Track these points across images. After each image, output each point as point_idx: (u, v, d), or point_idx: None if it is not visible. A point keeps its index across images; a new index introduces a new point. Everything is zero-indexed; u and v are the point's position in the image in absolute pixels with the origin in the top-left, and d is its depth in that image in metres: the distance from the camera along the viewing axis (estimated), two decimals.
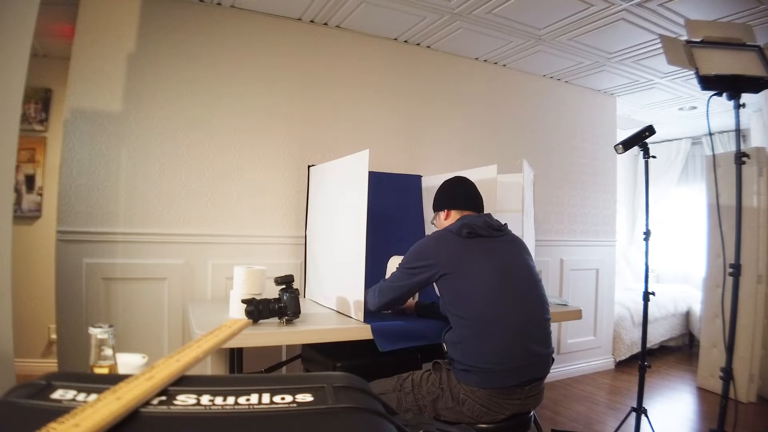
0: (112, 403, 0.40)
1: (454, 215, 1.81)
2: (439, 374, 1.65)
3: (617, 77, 3.59)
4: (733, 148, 2.10)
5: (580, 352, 3.79)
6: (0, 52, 1.66)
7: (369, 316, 1.88)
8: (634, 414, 2.34)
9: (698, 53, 2.00)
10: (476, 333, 1.56)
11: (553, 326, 2.32)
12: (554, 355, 1.70)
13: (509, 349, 1.54)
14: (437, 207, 1.88)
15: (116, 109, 2.32)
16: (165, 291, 2.38)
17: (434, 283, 1.69)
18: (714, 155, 2.79)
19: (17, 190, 3.11)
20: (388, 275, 2.29)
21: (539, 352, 1.59)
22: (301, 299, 1.84)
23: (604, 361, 3.95)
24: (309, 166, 2.62)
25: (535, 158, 3.39)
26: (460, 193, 1.85)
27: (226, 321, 0.69)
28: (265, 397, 0.45)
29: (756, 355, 3.10)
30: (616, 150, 2.40)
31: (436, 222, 1.91)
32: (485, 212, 1.84)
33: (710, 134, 2.54)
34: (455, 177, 1.93)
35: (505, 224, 1.77)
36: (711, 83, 1.98)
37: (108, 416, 0.39)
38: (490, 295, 1.58)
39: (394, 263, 2.29)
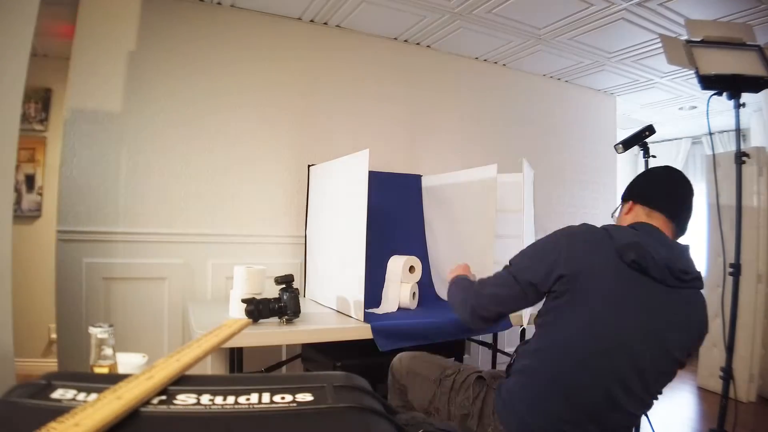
0: (112, 403, 0.40)
1: (640, 215, 1.29)
2: (477, 389, 1.33)
3: (617, 77, 3.59)
4: (733, 147, 2.10)
5: None
6: (0, 52, 1.66)
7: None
8: None
9: (698, 53, 2.00)
10: (556, 373, 1.16)
11: None
12: None
13: (571, 414, 1.14)
14: (625, 195, 1.38)
15: (116, 109, 2.32)
16: (165, 291, 2.38)
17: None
18: (714, 155, 2.78)
19: (17, 190, 3.11)
20: (388, 275, 2.30)
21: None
22: (301, 299, 1.84)
23: None
24: (309, 166, 2.62)
25: (535, 158, 3.38)
26: (662, 189, 1.30)
27: (226, 321, 0.69)
28: (265, 397, 0.45)
29: (756, 354, 3.10)
30: (616, 150, 2.40)
31: (616, 215, 1.43)
32: (678, 237, 1.27)
33: (710, 134, 2.53)
34: (670, 168, 1.35)
35: (697, 274, 1.19)
36: (711, 83, 1.98)
37: (108, 416, 0.39)
38: (598, 343, 1.13)
39: (394, 263, 2.29)
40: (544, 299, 1.23)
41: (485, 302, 1.31)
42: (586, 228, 1.22)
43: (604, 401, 1.13)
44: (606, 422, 1.14)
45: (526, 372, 1.21)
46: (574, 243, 1.18)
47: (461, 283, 1.47)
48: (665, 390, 1.22)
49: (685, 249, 1.21)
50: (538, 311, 1.25)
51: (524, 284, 1.22)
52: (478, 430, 1.28)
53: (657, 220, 1.25)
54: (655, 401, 1.20)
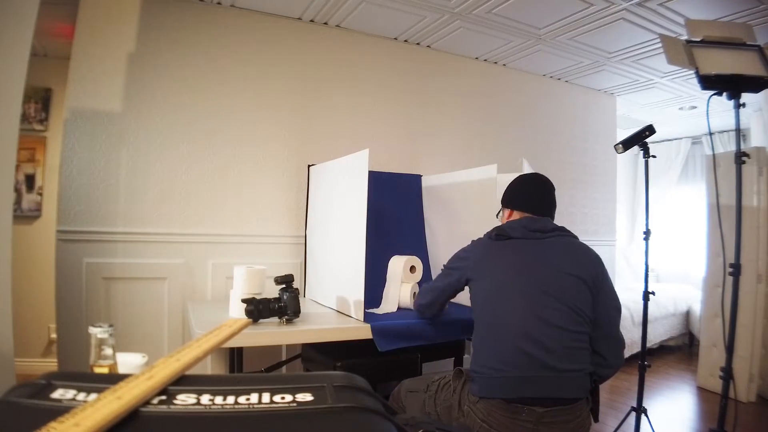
0: (112, 403, 0.40)
1: (515, 215, 1.69)
2: (457, 382, 1.53)
3: (617, 77, 3.59)
4: (733, 147, 2.10)
5: None
6: (0, 52, 1.66)
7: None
8: (634, 413, 2.34)
9: (698, 53, 2.00)
10: (480, 335, 1.49)
11: None
12: (592, 378, 1.46)
13: (509, 353, 1.39)
14: (503, 203, 1.76)
15: (116, 108, 2.32)
16: (165, 291, 2.38)
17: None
18: (714, 155, 2.79)
19: (17, 190, 3.11)
20: (389, 275, 2.30)
21: (553, 366, 1.36)
22: (301, 299, 1.84)
23: None
24: (309, 166, 2.62)
25: (535, 158, 3.38)
26: (520, 193, 1.71)
27: (226, 321, 0.69)
28: (265, 397, 0.45)
29: (756, 354, 3.10)
30: (616, 149, 2.40)
31: (499, 218, 1.81)
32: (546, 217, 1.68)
33: (710, 134, 2.53)
34: (526, 175, 1.81)
35: (562, 228, 1.61)
36: (711, 83, 1.98)
37: (108, 416, 0.39)
38: (496, 294, 1.49)
39: (394, 263, 2.29)
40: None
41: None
42: (473, 243, 1.69)
43: (532, 321, 1.40)
44: (547, 340, 1.38)
45: (475, 345, 1.51)
46: (474, 248, 1.66)
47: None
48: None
49: (539, 219, 1.62)
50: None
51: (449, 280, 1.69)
52: (458, 416, 1.47)
53: (526, 214, 1.65)
54: (583, 317, 1.44)
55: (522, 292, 1.45)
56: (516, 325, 1.41)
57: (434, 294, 1.77)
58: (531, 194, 1.70)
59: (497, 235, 1.58)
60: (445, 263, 1.75)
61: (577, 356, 1.41)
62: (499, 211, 1.80)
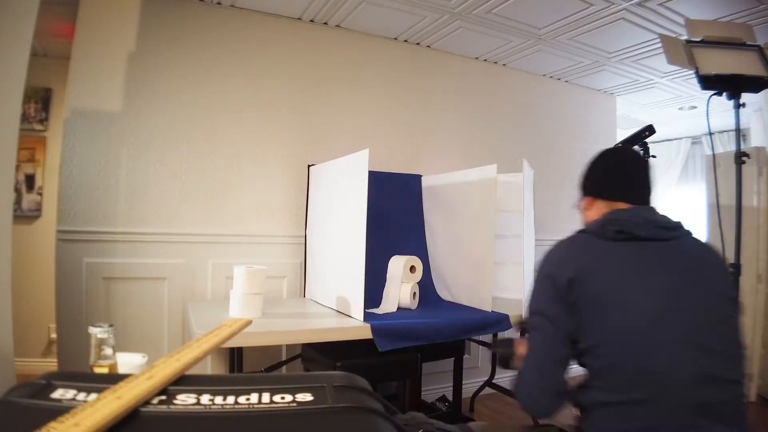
0: (112, 403, 0.40)
1: (600, 207, 1.21)
2: None
3: (617, 77, 3.59)
4: (733, 147, 2.10)
5: None
6: (0, 52, 1.66)
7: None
8: None
9: (698, 53, 2.00)
10: (617, 392, 0.98)
11: None
12: None
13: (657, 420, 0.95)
14: (583, 191, 1.29)
15: (116, 108, 2.32)
16: (165, 291, 2.38)
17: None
18: (714, 155, 2.78)
19: (17, 190, 3.11)
20: (389, 275, 2.30)
21: None
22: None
23: None
24: (309, 166, 2.62)
25: (535, 158, 3.38)
26: (617, 175, 1.22)
27: (226, 321, 0.69)
28: (265, 397, 0.45)
29: (756, 354, 3.10)
30: None
31: (580, 210, 1.35)
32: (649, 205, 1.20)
33: (710, 134, 2.53)
34: (611, 150, 1.32)
35: (679, 223, 1.14)
36: (711, 83, 1.98)
37: (108, 415, 0.39)
38: (639, 333, 0.99)
39: (394, 263, 2.29)
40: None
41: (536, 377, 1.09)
42: (559, 243, 1.16)
43: (686, 371, 0.96)
44: (706, 399, 0.96)
45: (603, 397, 1.00)
46: (561, 256, 1.12)
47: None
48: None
49: (653, 209, 1.17)
50: (575, 354, 1.08)
51: (554, 314, 1.07)
52: None
53: (621, 204, 1.18)
54: (741, 353, 1.04)
55: (681, 335, 0.98)
56: (680, 385, 0.95)
57: (536, 367, 1.09)
58: (633, 176, 1.21)
59: (617, 231, 1.07)
60: (525, 322, 1.18)
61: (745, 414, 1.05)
62: (578, 202, 1.33)
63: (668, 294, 1.02)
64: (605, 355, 1.00)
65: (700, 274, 1.07)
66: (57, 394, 0.44)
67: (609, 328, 1.01)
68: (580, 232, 1.17)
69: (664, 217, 1.14)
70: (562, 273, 1.06)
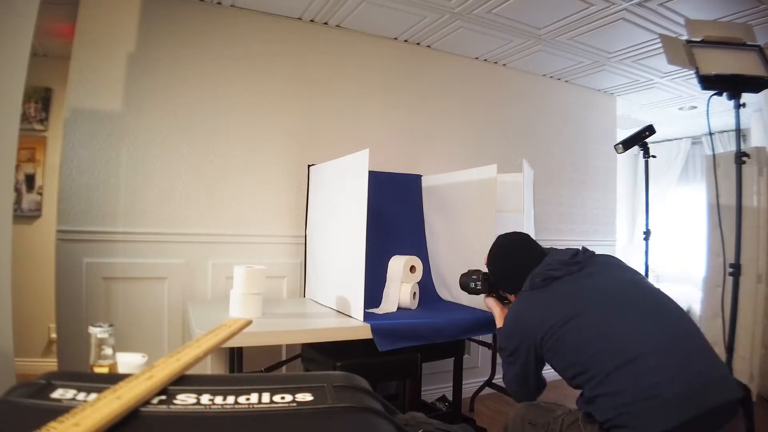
0: (112, 403, 0.40)
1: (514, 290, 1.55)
2: (589, 428, 1.25)
3: (617, 77, 3.59)
4: (733, 147, 2.10)
5: None
6: (0, 52, 1.66)
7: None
8: None
9: (698, 53, 2.00)
10: (606, 383, 1.18)
11: None
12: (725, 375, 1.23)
13: (659, 374, 1.13)
14: (502, 288, 1.66)
15: (116, 108, 2.32)
16: (165, 291, 2.38)
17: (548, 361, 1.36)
18: (714, 155, 2.78)
19: (17, 190, 3.11)
20: (389, 275, 2.30)
21: (708, 373, 1.17)
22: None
23: None
24: (309, 166, 2.62)
25: (535, 158, 3.39)
26: (510, 269, 1.56)
27: (226, 321, 0.69)
28: (265, 397, 0.45)
29: (756, 354, 3.10)
30: (616, 150, 2.40)
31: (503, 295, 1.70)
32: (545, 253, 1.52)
33: (710, 134, 2.53)
34: (496, 246, 1.64)
35: (582, 250, 1.46)
36: (711, 83, 1.98)
37: (108, 415, 0.39)
38: (600, 333, 1.23)
39: (394, 263, 2.29)
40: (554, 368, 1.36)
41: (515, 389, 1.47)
42: (515, 310, 1.47)
43: (662, 332, 1.22)
44: (687, 343, 1.23)
45: (595, 396, 1.20)
46: (528, 315, 1.40)
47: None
48: None
49: (554, 251, 1.50)
50: (567, 379, 1.33)
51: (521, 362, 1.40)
52: None
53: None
54: (686, 314, 1.33)
55: (628, 311, 1.26)
56: (650, 344, 1.18)
57: (518, 381, 1.44)
58: (523, 256, 1.53)
59: (543, 280, 1.38)
60: (502, 352, 1.48)
61: (715, 359, 1.25)
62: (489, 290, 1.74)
63: (601, 296, 1.31)
64: (582, 360, 1.24)
65: (617, 273, 1.40)
66: (57, 394, 0.44)
67: (571, 345, 1.27)
68: (519, 295, 1.47)
69: (569, 252, 1.44)
70: (529, 329, 1.35)
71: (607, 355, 1.19)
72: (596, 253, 1.47)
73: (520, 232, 1.64)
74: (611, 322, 1.23)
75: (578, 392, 1.31)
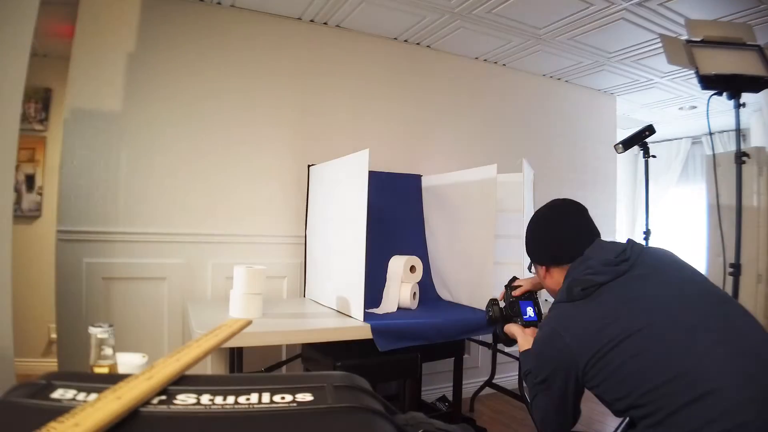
0: (112, 403, 0.40)
1: (556, 273, 1.27)
2: None
3: (617, 77, 3.59)
4: (733, 147, 2.10)
5: None
6: (0, 52, 1.66)
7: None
8: None
9: (698, 53, 2.00)
10: (671, 417, 0.94)
11: None
12: None
13: (744, 413, 0.89)
14: (536, 260, 1.36)
15: (116, 108, 2.32)
16: (165, 291, 2.38)
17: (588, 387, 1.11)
18: (714, 155, 2.78)
19: (17, 190, 3.11)
20: (389, 275, 2.30)
21: None
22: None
23: None
24: (309, 166, 2.62)
25: (535, 158, 3.38)
26: (558, 240, 1.28)
27: (226, 321, 0.69)
28: (265, 397, 0.45)
29: None
30: (616, 149, 2.40)
31: (533, 272, 1.41)
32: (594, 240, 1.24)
33: (710, 134, 2.53)
34: (545, 212, 1.38)
35: (629, 244, 1.18)
36: (711, 82, 1.98)
37: (108, 416, 0.39)
38: (667, 351, 0.98)
39: (394, 263, 2.29)
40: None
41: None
42: (549, 327, 1.17)
43: (738, 348, 0.97)
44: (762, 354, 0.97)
45: (662, 423, 0.95)
46: (565, 334, 1.11)
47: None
48: None
49: (599, 243, 1.22)
50: (615, 411, 1.07)
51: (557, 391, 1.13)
52: None
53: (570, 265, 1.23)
54: (756, 321, 1.06)
55: (697, 328, 1.00)
56: (727, 372, 0.94)
57: (551, 413, 1.17)
58: (574, 237, 1.26)
59: (583, 289, 1.10)
60: (530, 377, 1.21)
61: None
62: (530, 265, 1.39)
63: (656, 305, 1.05)
64: (640, 392, 0.98)
65: (669, 272, 1.13)
66: (57, 394, 0.44)
67: (621, 367, 1.00)
68: (553, 306, 1.19)
69: (617, 244, 1.19)
70: (572, 360, 1.07)
71: (673, 387, 0.94)
72: (646, 246, 1.21)
73: (578, 202, 1.36)
74: (676, 343, 0.98)
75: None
